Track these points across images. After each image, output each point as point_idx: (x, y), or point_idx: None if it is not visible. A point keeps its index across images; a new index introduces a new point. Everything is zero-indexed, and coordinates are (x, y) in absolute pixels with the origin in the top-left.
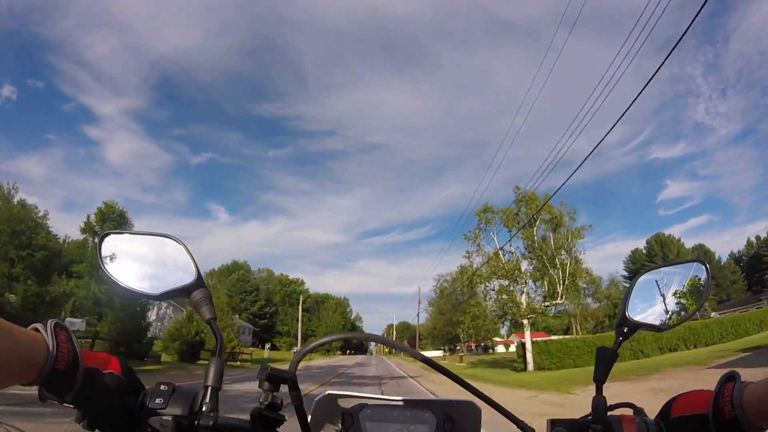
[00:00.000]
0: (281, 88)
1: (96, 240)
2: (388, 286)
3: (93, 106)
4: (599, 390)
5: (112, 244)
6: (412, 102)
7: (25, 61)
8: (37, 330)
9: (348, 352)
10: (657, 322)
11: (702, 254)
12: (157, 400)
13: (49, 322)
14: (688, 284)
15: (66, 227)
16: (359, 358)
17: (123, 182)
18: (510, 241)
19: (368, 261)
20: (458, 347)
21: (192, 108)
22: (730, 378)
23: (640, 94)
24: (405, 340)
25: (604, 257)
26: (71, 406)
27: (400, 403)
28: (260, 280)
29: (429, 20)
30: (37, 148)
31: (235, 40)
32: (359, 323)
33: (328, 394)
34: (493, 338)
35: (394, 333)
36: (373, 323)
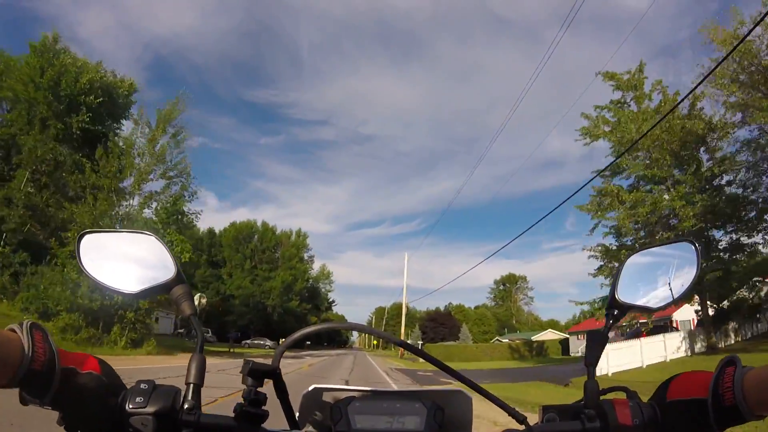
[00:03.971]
0: (276, 74)
1: None
2: (374, 279)
3: None
4: (591, 374)
5: (90, 242)
6: (406, 94)
7: (16, 36)
8: (13, 331)
9: (319, 344)
10: (647, 304)
11: None
12: (138, 399)
13: (25, 322)
14: (677, 265)
15: None
16: (319, 361)
17: None
18: None
19: (355, 252)
20: None
21: (185, 90)
22: (731, 362)
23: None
24: (416, 326)
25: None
26: (51, 408)
27: (389, 394)
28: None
29: (428, 12)
30: None
31: (231, 23)
32: (328, 292)
33: (315, 388)
34: None
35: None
36: (357, 315)
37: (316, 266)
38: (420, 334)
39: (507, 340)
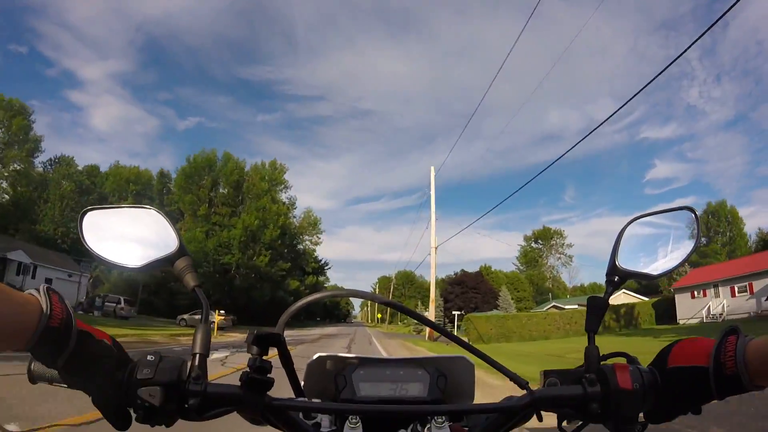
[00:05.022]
0: (271, 51)
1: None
2: (375, 253)
3: (77, 70)
4: (591, 340)
5: (93, 219)
6: (403, 68)
7: (6, 25)
8: (30, 294)
9: (310, 319)
10: (647, 271)
11: None
12: (145, 371)
13: (42, 286)
14: (677, 232)
15: None
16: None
17: (108, 148)
18: None
19: (355, 228)
20: None
21: (179, 71)
22: (733, 331)
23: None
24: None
25: (591, 232)
26: (61, 373)
27: (393, 362)
28: None
29: None
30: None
31: (224, 1)
32: (315, 245)
33: (320, 356)
34: None
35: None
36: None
37: (299, 214)
38: (442, 303)
39: (576, 306)
